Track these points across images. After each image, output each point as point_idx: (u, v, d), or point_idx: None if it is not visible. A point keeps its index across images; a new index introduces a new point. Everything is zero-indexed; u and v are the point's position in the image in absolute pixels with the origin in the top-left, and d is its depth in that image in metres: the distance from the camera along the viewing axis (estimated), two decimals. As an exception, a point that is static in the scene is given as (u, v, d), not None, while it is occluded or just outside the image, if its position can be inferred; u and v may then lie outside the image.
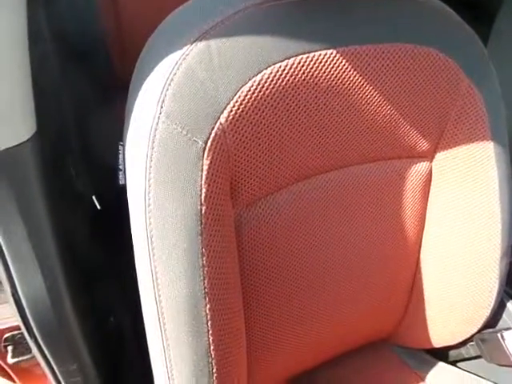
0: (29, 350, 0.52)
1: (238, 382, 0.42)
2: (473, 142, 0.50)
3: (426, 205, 0.55)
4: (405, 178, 0.52)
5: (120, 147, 0.42)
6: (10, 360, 0.51)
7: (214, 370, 0.39)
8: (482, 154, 0.50)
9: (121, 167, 0.43)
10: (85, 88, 0.63)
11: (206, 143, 0.34)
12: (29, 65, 0.35)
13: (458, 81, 0.47)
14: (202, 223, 0.35)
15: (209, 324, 0.37)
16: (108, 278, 0.59)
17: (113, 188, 0.46)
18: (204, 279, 0.36)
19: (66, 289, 0.41)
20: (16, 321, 0.47)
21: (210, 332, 0.37)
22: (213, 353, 0.38)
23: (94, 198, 0.48)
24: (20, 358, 0.51)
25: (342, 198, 0.48)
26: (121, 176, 0.43)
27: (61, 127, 0.51)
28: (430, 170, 0.53)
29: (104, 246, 0.55)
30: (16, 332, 0.51)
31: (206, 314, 0.37)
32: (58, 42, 0.61)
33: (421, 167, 0.52)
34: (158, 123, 0.33)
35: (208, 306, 0.37)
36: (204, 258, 0.36)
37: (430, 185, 0.54)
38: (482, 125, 0.49)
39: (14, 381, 0.58)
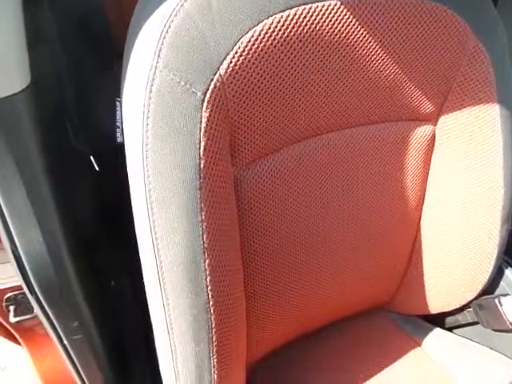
0: (31, 310, 0.53)
1: (236, 339, 0.43)
2: (478, 104, 0.49)
3: (428, 169, 0.54)
4: (407, 141, 0.51)
5: (117, 103, 0.41)
6: (12, 319, 0.52)
7: (213, 325, 0.39)
8: (488, 117, 0.49)
9: (118, 124, 0.42)
10: (83, 52, 0.61)
11: (204, 95, 0.33)
12: (22, 16, 0.34)
13: (466, 39, 0.45)
14: (200, 177, 0.35)
15: (208, 279, 0.37)
16: (108, 240, 0.60)
17: (111, 148, 0.45)
18: (203, 234, 0.36)
19: (66, 245, 0.41)
20: (17, 281, 0.47)
21: (209, 288, 0.38)
22: (212, 308, 0.38)
23: (92, 158, 0.47)
24: (22, 317, 0.52)
25: (343, 160, 0.47)
26: (119, 134, 0.43)
27: (58, 88, 0.50)
28: (434, 134, 0.52)
29: (104, 208, 0.55)
30: (17, 292, 0.52)
31: (205, 270, 0.37)
32: (55, 6, 0.59)
33: (424, 131, 0.51)
34: (155, 73, 0.32)
35: (207, 261, 0.37)
36: (203, 213, 0.36)
37: (432, 149, 0.53)
38: (489, 86, 0.48)
39: (16, 340, 0.59)
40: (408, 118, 0.50)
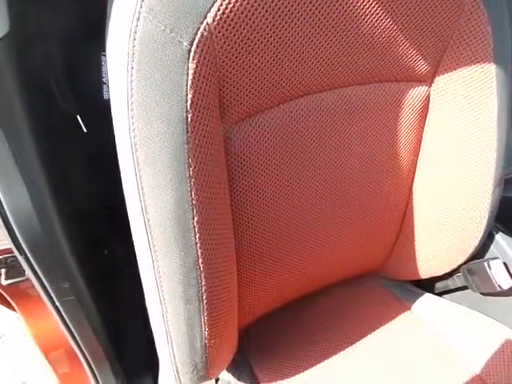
0: (22, 274, 0.53)
1: (227, 297, 0.43)
2: (475, 64, 0.48)
3: (422, 131, 0.53)
4: (402, 102, 0.50)
5: (103, 58, 0.40)
6: (4, 282, 0.52)
7: (203, 283, 0.39)
8: (483, 78, 0.48)
9: (105, 80, 0.41)
10: (70, 11, 0.59)
11: (191, 45, 0.32)
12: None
13: (464, -6, 0.44)
14: (188, 131, 0.34)
15: (197, 237, 0.37)
16: (99, 205, 0.59)
17: (98, 107, 0.44)
18: (191, 191, 0.35)
19: (53, 204, 0.40)
20: (7, 244, 0.47)
21: (199, 245, 0.37)
22: (201, 266, 0.38)
23: (79, 118, 0.46)
24: (14, 280, 0.52)
25: (336, 120, 0.47)
26: (105, 90, 0.41)
27: (43, 46, 0.48)
28: (428, 96, 0.51)
29: (92, 171, 0.54)
30: (8, 255, 0.52)
31: (194, 227, 0.37)
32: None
33: (419, 92, 0.50)
34: (138, 19, 0.31)
35: (196, 218, 0.36)
36: (191, 169, 0.35)
37: (427, 111, 0.52)
38: (486, 45, 0.47)
39: (9, 303, 0.59)
40: (403, 78, 0.49)
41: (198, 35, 0.32)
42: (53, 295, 0.47)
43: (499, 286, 0.57)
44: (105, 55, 0.40)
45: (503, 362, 0.57)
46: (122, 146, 0.35)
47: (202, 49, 0.33)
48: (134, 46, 0.31)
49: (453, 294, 0.69)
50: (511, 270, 0.58)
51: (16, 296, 0.57)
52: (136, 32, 0.31)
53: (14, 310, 0.63)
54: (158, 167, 0.34)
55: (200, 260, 0.38)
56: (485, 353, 0.58)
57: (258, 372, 0.59)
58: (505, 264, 0.58)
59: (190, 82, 0.33)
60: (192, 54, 0.32)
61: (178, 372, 0.45)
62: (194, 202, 0.36)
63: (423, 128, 0.53)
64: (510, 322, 0.60)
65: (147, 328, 0.48)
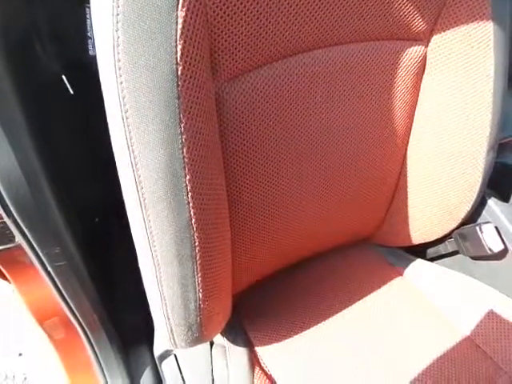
0: (13, 240, 0.52)
1: (221, 258, 0.43)
2: (472, 21, 0.47)
3: (418, 92, 0.53)
4: (397, 61, 0.49)
5: (87, 10, 0.38)
6: (-7, 248, 0.51)
7: (197, 243, 0.39)
8: (481, 37, 0.47)
9: (90, 35, 0.39)
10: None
11: (179, -9, 0.31)
12: None
13: None
14: (178, 85, 0.33)
15: (189, 196, 0.36)
16: (90, 172, 0.58)
17: (84, 65, 0.42)
18: (182, 148, 0.34)
19: (40, 165, 0.39)
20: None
21: (191, 204, 0.37)
22: (194, 225, 0.38)
23: (64, 78, 0.44)
24: (4, 246, 0.51)
25: (330, 78, 0.45)
26: (90, 45, 0.40)
27: (27, 3, 0.46)
28: (425, 56, 0.50)
29: (82, 135, 0.53)
30: (-3, 221, 0.51)
31: (186, 186, 0.36)
32: None
33: (415, 51, 0.49)
34: (123, -39, 0.29)
35: (188, 176, 0.36)
36: (182, 125, 0.34)
37: (423, 71, 0.51)
38: (484, 1, 0.46)
39: (1, 272, 0.58)
40: (399, 36, 0.47)
41: (187, -20, 0.31)
42: (44, 260, 0.47)
43: (490, 249, 0.58)
44: (89, 7, 0.38)
45: (492, 323, 0.58)
46: (109, 102, 0.33)
47: (191, -4, 0.31)
48: (119, -9, 0.29)
49: (444, 259, 0.70)
50: (502, 234, 0.58)
51: (8, 264, 0.56)
52: (121, -25, 0.29)
53: (6, 279, 0.63)
54: (147, 124, 0.33)
55: (193, 220, 0.37)
56: (475, 315, 0.59)
57: (252, 336, 0.60)
58: (496, 228, 0.59)
59: (179, 32, 0.31)
60: (181, 1, 0.31)
61: (172, 334, 0.45)
62: (185, 159, 0.35)
63: (419, 89, 0.52)
64: (499, 285, 0.61)
65: (142, 294, 0.48)
